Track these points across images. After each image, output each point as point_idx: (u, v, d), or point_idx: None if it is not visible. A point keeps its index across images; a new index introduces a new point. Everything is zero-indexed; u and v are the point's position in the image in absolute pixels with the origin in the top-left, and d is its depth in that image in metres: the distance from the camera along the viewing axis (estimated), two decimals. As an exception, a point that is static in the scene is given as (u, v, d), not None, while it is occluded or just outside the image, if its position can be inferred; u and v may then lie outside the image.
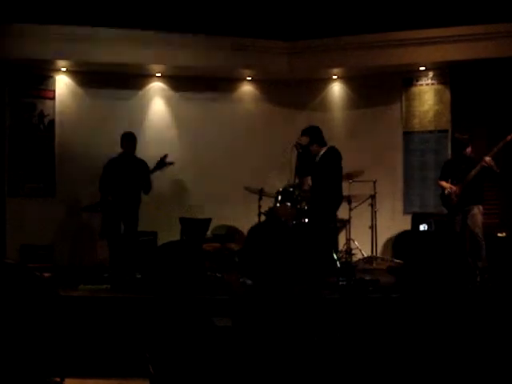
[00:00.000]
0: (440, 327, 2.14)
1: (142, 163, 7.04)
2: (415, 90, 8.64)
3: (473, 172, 6.37)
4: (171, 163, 6.93)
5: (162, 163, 6.85)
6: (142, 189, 6.98)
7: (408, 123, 8.67)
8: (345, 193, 7.97)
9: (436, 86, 8.52)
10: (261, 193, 7.79)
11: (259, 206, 7.79)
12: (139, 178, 6.91)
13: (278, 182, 7.92)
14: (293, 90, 8.86)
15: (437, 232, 7.36)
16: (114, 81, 8.41)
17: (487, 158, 6.27)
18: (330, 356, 2.28)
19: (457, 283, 2.20)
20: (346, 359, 2.23)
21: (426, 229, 7.61)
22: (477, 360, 2.13)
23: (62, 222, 8.22)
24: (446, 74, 8.41)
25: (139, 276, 6.61)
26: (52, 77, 8.33)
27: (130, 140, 7.10)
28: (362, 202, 8.10)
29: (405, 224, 8.23)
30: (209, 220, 8.14)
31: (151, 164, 6.91)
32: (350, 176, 7.91)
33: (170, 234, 8.04)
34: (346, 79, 8.92)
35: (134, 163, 7.02)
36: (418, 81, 8.62)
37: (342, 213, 8.21)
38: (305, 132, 6.89)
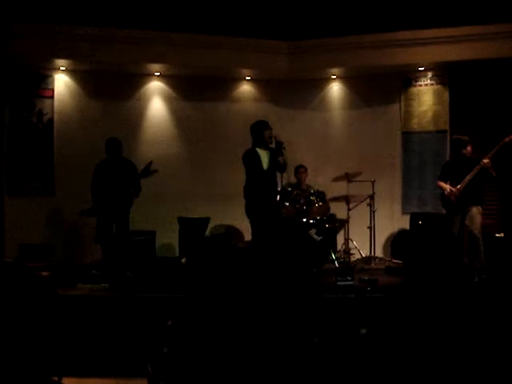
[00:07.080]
0: (439, 327, 2.14)
1: (130, 165, 6.88)
2: (414, 90, 8.65)
3: (471, 173, 6.38)
4: (155, 171, 6.67)
5: (147, 171, 6.64)
6: (132, 191, 6.75)
7: (407, 123, 8.68)
8: (343, 193, 8.01)
9: (435, 87, 8.54)
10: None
11: (258, 206, 7.78)
12: (128, 180, 6.73)
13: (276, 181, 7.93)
14: (292, 90, 8.86)
15: (432, 233, 7.39)
16: (112, 80, 8.40)
17: (485, 160, 6.29)
18: (330, 356, 2.28)
19: (451, 283, 2.20)
20: (347, 359, 2.23)
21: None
22: (476, 359, 2.14)
23: (61, 220, 8.21)
24: (445, 74, 8.44)
25: (131, 275, 6.59)
26: (51, 76, 8.31)
27: (113, 146, 6.87)
28: (361, 202, 8.10)
29: (403, 224, 8.25)
30: (207, 219, 8.15)
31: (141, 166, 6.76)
32: (349, 176, 7.92)
33: (169, 233, 8.06)
34: (345, 79, 8.93)
35: (121, 165, 6.86)
36: (416, 81, 8.63)
37: (341, 213, 8.23)
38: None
